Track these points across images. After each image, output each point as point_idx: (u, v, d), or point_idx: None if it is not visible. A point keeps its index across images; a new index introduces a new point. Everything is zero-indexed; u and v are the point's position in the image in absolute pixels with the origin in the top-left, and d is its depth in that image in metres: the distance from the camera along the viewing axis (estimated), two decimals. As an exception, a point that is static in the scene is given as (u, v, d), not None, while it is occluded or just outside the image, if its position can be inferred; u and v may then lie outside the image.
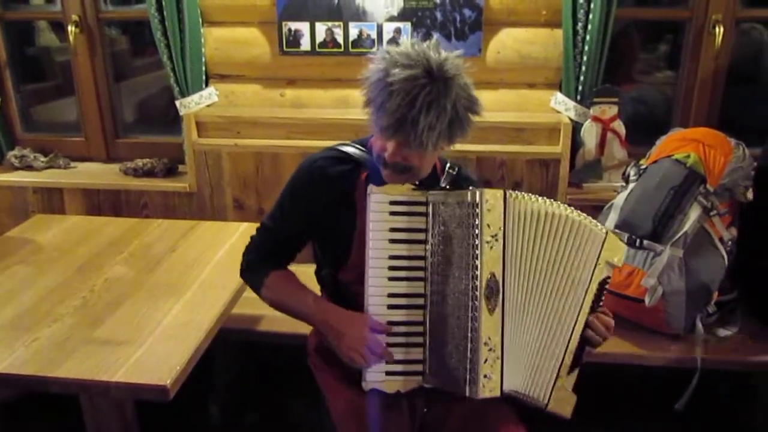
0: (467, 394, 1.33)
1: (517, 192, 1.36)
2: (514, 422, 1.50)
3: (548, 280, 1.39)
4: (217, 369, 2.34)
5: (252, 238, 1.66)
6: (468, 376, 1.33)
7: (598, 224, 1.44)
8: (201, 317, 1.72)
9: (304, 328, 1.93)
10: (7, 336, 1.61)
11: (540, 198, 1.39)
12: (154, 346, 1.58)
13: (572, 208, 1.42)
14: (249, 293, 1.86)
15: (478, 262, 1.32)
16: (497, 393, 1.33)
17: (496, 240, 1.33)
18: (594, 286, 1.42)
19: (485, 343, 1.31)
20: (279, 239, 1.62)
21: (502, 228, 1.33)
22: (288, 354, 1.98)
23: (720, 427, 2.34)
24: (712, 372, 1.96)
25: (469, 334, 1.33)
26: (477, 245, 1.32)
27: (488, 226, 1.32)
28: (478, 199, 1.32)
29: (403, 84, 1.29)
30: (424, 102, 1.29)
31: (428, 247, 1.43)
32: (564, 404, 1.43)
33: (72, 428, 1.82)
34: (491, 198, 1.32)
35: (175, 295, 1.84)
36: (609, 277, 1.45)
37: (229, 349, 2.31)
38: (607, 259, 1.43)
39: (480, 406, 1.47)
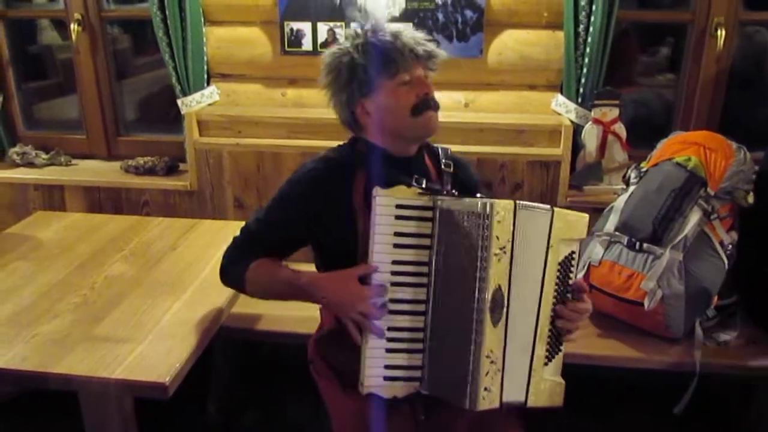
0: (466, 406, 1.30)
1: (525, 202, 1.34)
2: (519, 428, 1.50)
3: (535, 283, 1.37)
4: (216, 367, 2.33)
5: (235, 239, 1.60)
6: (468, 389, 1.30)
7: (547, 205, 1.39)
8: (200, 315, 1.73)
9: (303, 328, 1.93)
10: (6, 332, 1.62)
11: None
12: (154, 344, 1.58)
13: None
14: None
15: (485, 275, 1.29)
16: (496, 405, 1.32)
17: (504, 252, 1.30)
18: (553, 270, 1.38)
19: (487, 356, 1.29)
20: (264, 242, 1.56)
21: (510, 240, 1.30)
22: (287, 353, 1.98)
23: None
24: (711, 376, 1.95)
25: (472, 347, 1.30)
26: (485, 257, 1.28)
27: (497, 238, 1.28)
28: (488, 210, 1.28)
29: (383, 25, 1.49)
30: (403, 29, 1.50)
31: (433, 253, 1.37)
32: (551, 395, 1.41)
33: (70, 425, 1.82)
34: (502, 210, 1.29)
35: (175, 293, 1.84)
36: (573, 253, 1.41)
37: (227, 347, 2.31)
38: (561, 237, 1.38)
39: (488, 414, 1.39)
